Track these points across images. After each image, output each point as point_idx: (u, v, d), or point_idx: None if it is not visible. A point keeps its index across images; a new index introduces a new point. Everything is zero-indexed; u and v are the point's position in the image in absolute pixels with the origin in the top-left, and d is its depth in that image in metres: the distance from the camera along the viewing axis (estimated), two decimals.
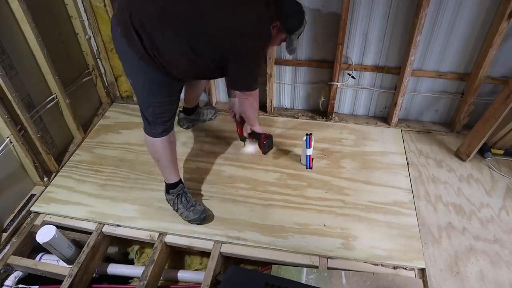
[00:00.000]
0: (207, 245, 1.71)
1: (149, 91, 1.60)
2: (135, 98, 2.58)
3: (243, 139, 2.12)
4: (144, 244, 2.01)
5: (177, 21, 1.45)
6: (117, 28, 1.46)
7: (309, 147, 1.95)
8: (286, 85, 2.42)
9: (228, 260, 1.78)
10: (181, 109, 2.32)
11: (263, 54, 1.72)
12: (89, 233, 1.81)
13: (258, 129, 1.96)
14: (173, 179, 1.78)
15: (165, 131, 1.68)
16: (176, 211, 1.80)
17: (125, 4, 1.45)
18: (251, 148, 2.18)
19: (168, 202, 1.83)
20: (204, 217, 1.76)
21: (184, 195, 1.79)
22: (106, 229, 1.80)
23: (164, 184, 1.82)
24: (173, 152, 1.76)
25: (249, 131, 2.00)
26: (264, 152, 2.00)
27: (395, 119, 2.32)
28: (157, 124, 1.66)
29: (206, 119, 2.42)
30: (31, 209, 1.89)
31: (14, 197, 1.90)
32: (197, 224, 1.76)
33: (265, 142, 1.95)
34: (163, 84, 1.59)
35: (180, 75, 1.61)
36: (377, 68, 2.20)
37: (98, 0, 2.15)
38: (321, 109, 2.45)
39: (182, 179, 1.84)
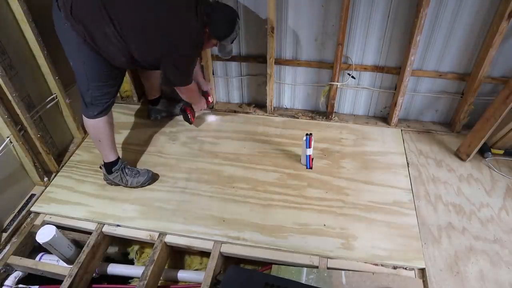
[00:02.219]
0: (207, 245, 1.71)
1: (89, 74, 1.66)
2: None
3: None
4: (144, 244, 2.01)
5: (115, 24, 1.53)
6: (58, 10, 1.51)
7: (309, 147, 1.95)
8: (286, 85, 2.42)
9: (228, 260, 1.78)
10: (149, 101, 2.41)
11: (198, 55, 1.87)
12: (89, 233, 1.81)
13: (197, 107, 2.25)
14: (113, 157, 1.90)
15: (103, 111, 1.76)
16: (126, 184, 1.91)
17: None
18: (212, 118, 2.41)
19: (112, 183, 1.93)
20: (151, 175, 1.93)
21: (126, 166, 1.92)
22: (106, 229, 1.80)
23: (106, 163, 1.90)
24: (112, 131, 1.86)
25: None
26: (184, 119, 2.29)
27: (395, 119, 2.32)
28: (96, 105, 1.73)
29: (175, 113, 2.45)
30: (31, 209, 1.89)
31: (14, 197, 1.90)
32: (149, 183, 1.93)
33: (182, 112, 2.27)
34: (103, 69, 1.66)
35: (121, 66, 1.73)
36: (377, 68, 2.20)
37: None
38: (321, 109, 2.45)
39: (182, 177, 1.94)
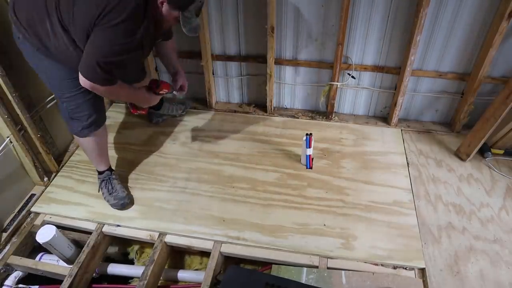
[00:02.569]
0: (207, 245, 1.71)
1: (55, 85, 1.56)
2: None
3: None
4: (144, 244, 2.01)
5: (49, 10, 1.35)
6: (12, 22, 1.44)
7: (309, 147, 1.95)
8: (286, 85, 2.42)
9: (228, 260, 1.78)
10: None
11: (138, 41, 1.39)
12: (89, 233, 1.81)
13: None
14: (101, 168, 1.87)
15: (86, 128, 1.62)
16: (102, 195, 1.88)
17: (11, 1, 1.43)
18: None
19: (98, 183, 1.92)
20: (122, 204, 1.83)
21: (109, 181, 1.86)
22: (106, 229, 1.80)
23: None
24: (101, 147, 1.79)
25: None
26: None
27: (395, 119, 2.32)
28: (75, 120, 1.61)
29: (177, 115, 2.43)
30: (31, 209, 1.89)
31: (14, 197, 1.90)
32: (118, 209, 1.84)
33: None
34: (65, 76, 1.50)
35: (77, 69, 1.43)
36: (377, 68, 2.20)
37: None
38: (321, 109, 2.45)
39: (182, 177, 1.85)
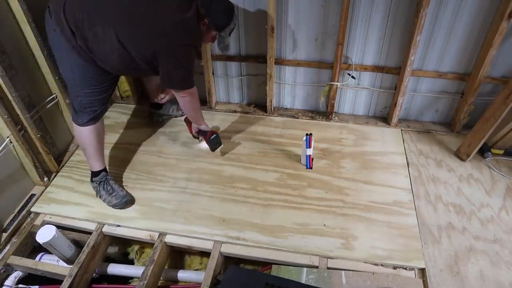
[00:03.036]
0: (207, 245, 1.71)
1: (77, 81, 1.64)
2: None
3: (195, 136, 2.19)
4: (144, 244, 2.01)
5: (105, 20, 1.51)
6: (50, 18, 1.51)
7: (309, 147, 1.95)
8: (286, 85, 2.42)
9: (228, 260, 1.78)
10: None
11: (195, 51, 1.73)
12: (89, 233, 1.81)
13: (204, 127, 2.05)
14: (96, 168, 1.86)
15: (92, 120, 1.73)
16: (100, 198, 1.87)
17: None
18: (204, 144, 2.15)
19: (94, 190, 1.90)
20: (125, 201, 1.83)
21: (106, 182, 1.86)
22: (106, 229, 1.80)
23: (91, 170, 1.88)
24: (99, 141, 1.82)
25: (196, 129, 2.09)
26: (212, 149, 2.05)
27: (395, 119, 2.32)
28: (84, 113, 1.71)
29: (177, 115, 2.44)
30: (31, 209, 1.89)
31: (14, 197, 1.90)
32: (120, 208, 1.84)
33: (211, 139, 2.00)
34: (92, 75, 1.63)
35: (112, 71, 1.67)
36: (377, 68, 2.20)
37: None
38: (321, 109, 2.45)
39: (183, 177, 1.85)
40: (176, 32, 1.59)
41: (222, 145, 2.08)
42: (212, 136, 2.00)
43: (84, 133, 1.76)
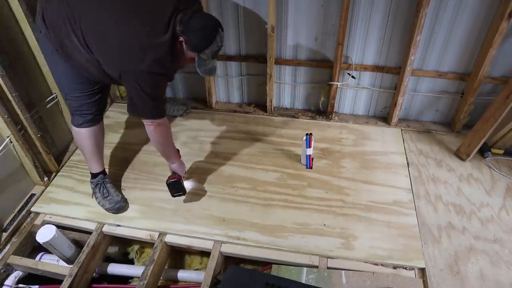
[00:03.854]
0: (207, 245, 1.71)
1: (63, 84, 1.64)
2: None
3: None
4: (144, 244, 2.01)
5: (79, 32, 1.42)
6: (38, 18, 1.48)
7: (309, 147, 1.95)
8: (286, 85, 2.42)
9: (228, 260, 1.78)
10: None
11: (166, 79, 1.55)
12: (89, 233, 1.81)
13: (175, 166, 1.77)
14: (94, 170, 1.85)
15: (87, 122, 1.71)
16: (95, 199, 1.87)
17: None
18: (188, 183, 1.95)
19: (92, 190, 1.90)
20: (118, 207, 1.82)
21: (103, 185, 1.85)
22: (106, 228, 1.80)
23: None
24: (97, 144, 1.80)
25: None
26: (171, 195, 1.79)
27: (395, 119, 2.32)
28: (76, 116, 1.70)
29: (177, 115, 2.44)
30: (31, 209, 1.89)
31: (14, 197, 1.90)
32: (113, 213, 1.82)
33: (169, 183, 1.74)
34: (76, 80, 1.57)
35: (95, 79, 1.59)
36: (377, 68, 2.20)
37: None
38: (321, 109, 2.45)
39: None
40: (142, 58, 1.40)
41: (184, 196, 1.80)
42: (171, 181, 1.73)
43: (80, 135, 1.74)
